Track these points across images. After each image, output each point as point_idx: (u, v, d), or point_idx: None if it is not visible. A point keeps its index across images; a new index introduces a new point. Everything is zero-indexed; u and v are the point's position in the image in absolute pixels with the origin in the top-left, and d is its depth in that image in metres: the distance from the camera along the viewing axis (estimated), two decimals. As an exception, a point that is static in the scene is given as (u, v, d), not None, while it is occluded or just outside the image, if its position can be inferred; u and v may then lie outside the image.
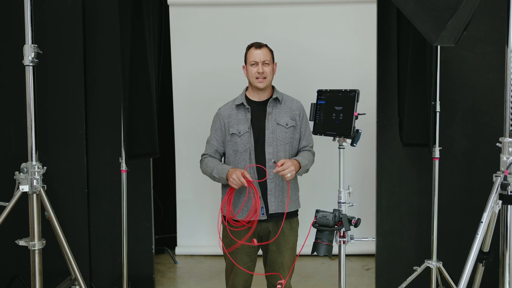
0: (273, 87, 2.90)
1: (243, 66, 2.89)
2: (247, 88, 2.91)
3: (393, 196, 3.58)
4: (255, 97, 2.85)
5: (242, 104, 2.82)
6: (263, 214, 2.75)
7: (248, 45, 2.88)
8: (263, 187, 2.76)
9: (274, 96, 2.84)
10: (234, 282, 2.84)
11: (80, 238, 3.57)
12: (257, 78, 2.78)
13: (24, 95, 2.79)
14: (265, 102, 2.84)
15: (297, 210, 2.91)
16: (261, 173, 2.76)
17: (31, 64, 2.75)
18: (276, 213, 2.77)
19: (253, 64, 2.79)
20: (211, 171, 2.79)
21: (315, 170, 4.45)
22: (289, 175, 2.63)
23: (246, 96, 2.87)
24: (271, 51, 2.86)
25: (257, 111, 2.81)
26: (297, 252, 2.83)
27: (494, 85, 3.39)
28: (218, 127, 2.85)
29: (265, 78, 2.78)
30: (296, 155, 2.87)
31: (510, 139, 2.23)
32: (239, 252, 2.79)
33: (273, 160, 2.74)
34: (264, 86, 2.80)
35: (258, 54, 2.79)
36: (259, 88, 2.81)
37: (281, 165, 2.63)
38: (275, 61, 2.89)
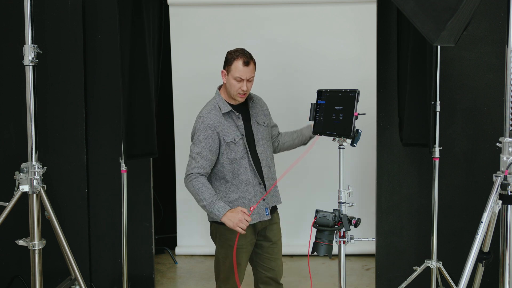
0: None
1: (223, 71, 2.77)
2: (220, 87, 2.85)
3: (393, 196, 3.58)
4: (232, 100, 2.80)
5: (231, 111, 2.75)
6: (267, 214, 2.79)
7: (233, 54, 2.72)
8: (263, 187, 2.80)
9: (253, 99, 2.85)
10: (239, 280, 2.81)
11: (80, 238, 3.57)
12: (239, 93, 2.72)
13: (24, 95, 2.79)
14: (241, 105, 2.82)
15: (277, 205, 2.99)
16: (260, 173, 2.79)
17: (31, 64, 2.75)
18: (271, 208, 2.85)
19: (238, 79, 2.69)
20: (201, 201, 2.61)
21: (315, 170, 4.48)
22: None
23: (227, 103, 2.80)
24: (255, 63, 2.76)
25: (242, 116, 2.80)
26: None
27: (494, 85, 3.39)
28: (211, 137, 2.68)
29: (245, 94, 2.74)
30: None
31: (510, 139, 2.23)
32: (244, 251, 2.79)
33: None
34: (243, 100, 2.79)
35: (245, 72, 2.67)
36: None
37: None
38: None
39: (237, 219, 2.52)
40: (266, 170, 2.80)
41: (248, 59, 2.69)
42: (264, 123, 2.86)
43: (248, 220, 2.53)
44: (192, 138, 2.78)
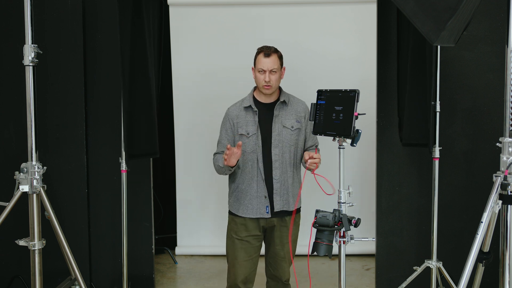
0: (280, 89, 2.95)
1: (252, 68, 2.91)
2: (255, 88, 2.96)
3: (393, 196, 3.58)
4: (263, 98, 2.92)
5: (250, 106, 2.88)
6: (267, 212, 2.86)
7: (258, 49, 2.89)
8: (269, 186, 2.85)
9: (281, 99, 2.90)
10: (236, 275, 2.89)
11: (80, 238, 3.57)
12: (264, 85, 2.82)
13: (24, 95, 2.79)
14: (272, 104, 2.90)
15: (300, 207, 3.02)
16: (268, 172, 2.84)
17: (31, 64, 2.75)
18: (281, 211, 2.88)
19: (261, 71, 2.82)
20: (218, 163, 2.86)
21: (315, 170, 4.47)
22: (313, 165, 2.72)
23: (254, 98, 2.92)
24: (280, 57, 2.88)
25: (265, 114, 2.89)
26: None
27: (494, 85, 3.39)
28: (228, 127, 2.90)
29: (271, 85, 2.82)
30: (301, 155, 2.95)
31: (510, 139, 2.23)
32: (243, 244, 2.88)
33: (315, 145, 2.91)
34: (270, 93, 2.87)
35: (266, 63, 2.81)
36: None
37: (310, 157, 2.70)
38: (283, 65, 2.91)
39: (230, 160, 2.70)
40: (278, 172, 2.84)
41: (269, 51, 2.84)
42: (292, 127, 2.88)
43: (227, 153, 2.67)
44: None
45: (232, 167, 2.78)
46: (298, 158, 2.93)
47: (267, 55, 2.82)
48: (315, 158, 2.68)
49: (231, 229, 2.94)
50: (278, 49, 2.91)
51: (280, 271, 2.97)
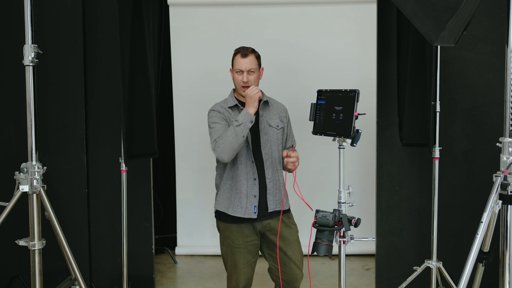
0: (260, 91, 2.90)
1: (230, 69, 2.89)
2: (234, 90, 2.93)
3: (393, 196, 3.58)
4: (242, 99, 2.86)
5: (236, 105, 2.84)
6: (254, 212, 2.79)
7: (235, 50, 2.86)
8: (263, 186, 2.81)
9: (264, 99, 2.88)
10: (237, 281, 2.84)
11: (80, 238, 3.57)
12: (242, 86, 2.80)
13: (24, 95, 2.79)
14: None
15: (289, 208, 2.99)
16: (260, 171, 2.81)
17: (31, 64, 2.75)
18: (275, 211, 2.84)
19: (238, 72, 2.80)
20: (234, 128, 2.65)
21: (315, 170, 4.48)
22: (291, 164, 2.76)
23: (236, 99, 2.88)
24: (258, 57, 2.85)
25: None
26: (306, 253, 2.84)
27: (494, 85, 3.39)
28: (221, 119, 2.79)
29: (249, 86, 2.79)
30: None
31: (510, 139, 2.23)
32: (241, 251, 2.82)
33: (292, 145, 2.89)
34: None
35: (243, 63, 2.78)
36: None
37: (287, 155, 2.75)
38: (261, 66, 2.89)
39: (250, 98, 2.69)
40: (270, 171, 2.83)
41: (246, 51, 2.81)
42: (278, 126, 2.88)
43: (252, 89, 2.71)
44: (209, 127, 2.84)
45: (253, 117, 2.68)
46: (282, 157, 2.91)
47: (244, 55, 2.79)
48: (292, 157, 2.73)
49: (227, 237, 2.85)
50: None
51: (291, 274, 2.86)
